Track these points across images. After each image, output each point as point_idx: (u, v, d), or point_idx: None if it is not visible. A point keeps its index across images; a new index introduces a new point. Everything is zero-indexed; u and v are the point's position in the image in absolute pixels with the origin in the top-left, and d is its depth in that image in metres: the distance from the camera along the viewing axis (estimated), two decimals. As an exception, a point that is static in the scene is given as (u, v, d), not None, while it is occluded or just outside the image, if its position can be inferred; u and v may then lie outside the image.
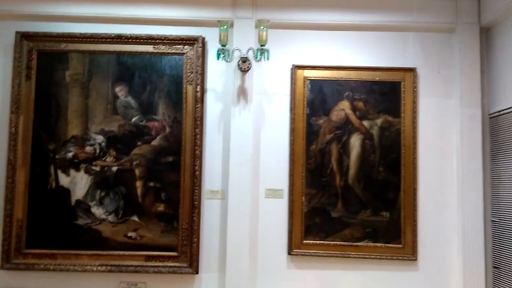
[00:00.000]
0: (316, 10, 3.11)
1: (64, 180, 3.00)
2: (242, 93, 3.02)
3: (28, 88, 3.01)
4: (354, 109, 3.06)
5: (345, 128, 3.06)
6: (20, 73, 3.01)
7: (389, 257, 2.98)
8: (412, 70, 3.06)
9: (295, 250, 3.00)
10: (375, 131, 3.05)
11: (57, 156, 3.01)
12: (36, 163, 3.00)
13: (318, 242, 3.00)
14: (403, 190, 3.00)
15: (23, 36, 3.04)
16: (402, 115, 3.04)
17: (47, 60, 3.04)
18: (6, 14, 3.08)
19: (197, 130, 2.99)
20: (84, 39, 3.04)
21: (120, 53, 3.06)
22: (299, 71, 3.08)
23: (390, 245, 2.99)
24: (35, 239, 2.97)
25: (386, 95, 3.07)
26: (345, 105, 3.07)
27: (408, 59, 3.12)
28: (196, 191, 2.97)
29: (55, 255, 2.95)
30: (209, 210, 3.04)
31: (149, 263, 2.95)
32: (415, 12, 3.10)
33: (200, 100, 3.02)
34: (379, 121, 3.05)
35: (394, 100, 3.06)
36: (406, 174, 3.01)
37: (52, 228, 2.98)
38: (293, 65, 3.09)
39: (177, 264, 2.95)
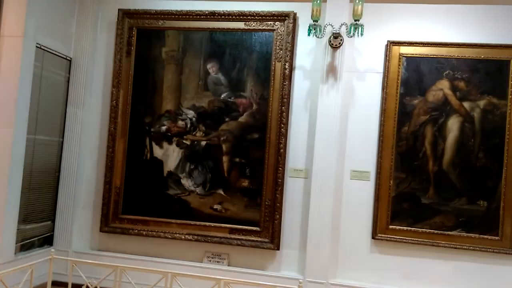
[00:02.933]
0: None
1: (157, 151, 3.41)
2: (332, 70, 3.13)
3: (128, 64, 3.44)
4: (454, 89, 3.03)
5: (442, 109, 3.04)
6: (121, 49, 3.44)
7: (483, 249, 2.96)
8: None
9: (379, 235, 3.09)
10: (476, 114, 3.01)
11: (152, 129, 3.42)
12: (133, 134, 3.44)
13: (405, 228, 3.06)
14: (504, 178, 2.95)
15: (124, 14, 3.44)
16: (510, 97, 2.95)
17: (145, 37, 3.43)
18: None
19: (283, 108, 3.19)
20: (180, 16, 3.36)
21: (212, 30, 3.34)
22: (395, 48, 3.11)
23: (485, 236, 2.96)
24: (130, 206, 3.43)
25: (492, 74, 2.99)
26: (444, 84, 3.05)
27: None
28: (280, 168, 3.19)
29: (147, 222, 3.39)
30: (292, 189, 3.24)
31: (233, 236, 3.25)
32: None
33: (288, 77, 3.20)
34: (481, 103, 3.00)
35: (500, 81, 2.98)
36: (509, 161, 2.95)
37: (146, 196, 3.41)
38: (388, 41, 3.12)
39: (259, 239, 3.22)
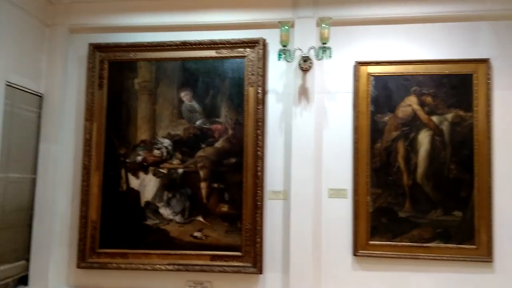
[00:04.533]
0: (379, 4, 3.25)
1: (134, 182, 3.39)
2: (303, 92, 3.23)
3: (101, 97, 3.45)
4: (422, 104, 3.14)
5: (412, 124, 3.15)
6: (93, 83, 3.45)
7: (461, 258, 3.01)
8: (485, 61, 3.09)
9: (360, 251, 3.12)
10: (445, 127, 3.11)
11: (127, 160, 3.40)
12: (108, 167, 3.42)
13: (385, 243, 3.10)
14: (476, 188, 3.03)
15: (95, 48, 3.47)
16: (475, 109, 3.07)
17: (117, 69, 3.47)
18: (80, 27, 3.55)
19: (258, 131, 3.24)
20: (151, 48, 3.42)
21: (184, 60, 3.40)
22: (362, 68, 3.22)
23: (463, 246, 3.02)
24: (108, 239, 3.36)
25: (457, 88, 3.11)
26: (412, 100, 3.16)
27: (480, 50, 3.16)
28: (259, 191, 3.21)
29: (126, 254, 3.33)
30: (272, 211, 3.26)
31: (214, 263, 3.22)
32: (488, 0, 3.14)
33: (261, 101, 3.27)
34: (449, 116, 3.11)
35: (465, 94, 3.10)
36: (480, 171, 3.04)
37: (124, 228, 3.36)
38: (356, 61, 3.24)
39: (241, 264, 3.20)
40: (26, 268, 3.36)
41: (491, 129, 3.09)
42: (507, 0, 3.14)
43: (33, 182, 3.43)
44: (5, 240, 3.13)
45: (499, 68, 3.15)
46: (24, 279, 3.35)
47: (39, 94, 3.47)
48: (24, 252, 3.35)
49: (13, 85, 3.17)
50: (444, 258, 3.05)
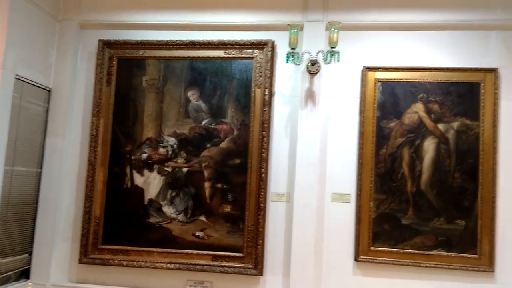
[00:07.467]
0: (388, 10, 3.28)
1: (138, 179, 3.43)
2: (310, 96, 3.26)
3: (108, 93, 3.49)
4: (428, 111, 3.17)
5: (418, 131, 3.17)
6: (101, 79, 3.50)
7: (463, 267, 3.03)
8: (493, 70, 3.11)
9: (362, 257, 3.15)
10: (451, 135, 3.14)
11: (133, 157, 3.45)
12: (114, 163, 3.46)
13: (386, 249, 3.13)
14: (480, 197, 3.05)
15: (105, 44, 3.52)
16: (481, 118, 3.09)
17: (126, 66, 3.51)
18: (90, 23, 3.60)
19: (264, 133, 3.28)
20: (160, 46, 3.46)
21: (193, 59, 3.44)
22: (370, 73, 3.25)
23: (465, 255, 3.04)
24: (110, 236, 3.41)
25: (464, 97, 3.14)
26: (418, 107, 3.18)
27: (489, 59, 3.18)
28: (262, 193, 3.24)
29: (128, 251, 3.37)
30: (275, 213, 3.29)
31: (215, 263, 3.26)
32: (498, 9, 3.16)
33: (268, 103, 3.30)
34: (455, 125, 3.14)
35: (472, 103, 3.13)
36: (484, 180, 3.06)
37: (127, 225, 3.40)
38: (363, 67, 3.26)
39: (242, 265, 3.23)
40: (29, 261, 3.42)
41: (497, 139, 3.11)
42: (516, 9, 3.14)
43: (38, 176, 3.48)
44: (8, 233, 3.19)
45: (507, 78, 3.16)
46: (26, 272, 3.40)
47: (48, 89, 3.52)
48: (27, 245, 3.40)
49: (22, 79, 3.22)
50: (446, 266, 3.06)
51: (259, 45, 3.39)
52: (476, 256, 3.05)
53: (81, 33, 3.66)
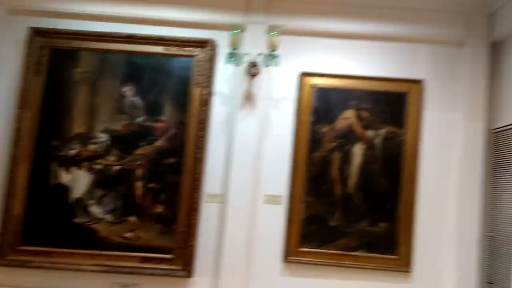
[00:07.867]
0: (327, 18, 3.40)
1: (65, 177, 3.27)
2: (249, 98, 3.29)
3: (37, 84, 3.31)
4: (359, 118, 3.30)
5: (348, 137, 3.29)
6: (29, 69, 3.30)
7: (384, 268, 3.17)
8: (419, 82, 3.31)
9: (290, 257, 3.20)
10: (378, 141, 3.28)
11: (60, 153, 3.28)
12: (38, 159, 3.27)
13: (313, 250, 3.20)
14: (402, 201, 3.21)
15: (36, 32, 3.33)
16: (406, 126, 3.27)
17: (57, 57, 3.34)
18: (19, 9, 3.40)
19: (201, 133, 3.25)
20: (96, 37, 3.34)
21: (130, 53, 3.35)
22: (306, 78, 3.34)
23: (386, 256, 3.18)
24: (32, 236, 3.21)
25: (392, 105, 3.30)
26: (350, 114, 3.31)
27: (416, 70, 3.37)
28: (196, 194, 3.20)
29: (50, 253, 3.18)
30: (208, 214, 3.26)
31: (144, 265, 3.16)
32: (426, 24, 3.37)
33: (206, 103, 3.28)
34: (382, 132, 3.29)
35: (399, 111, 3.30)
36: (406, 185, 3.22)
37: (50, 225, 3.22)
38: (300, 72, 3.36)
39: (172, 267, 3.16)
40: None
41: (419, 147, 3.30)
42: (443, 25, 3.39)
43: (-48, 169, 3.20)
44: None
45: (432, 89, 3.37)
46: None
47: (-32, 76, 3.27)
48: None
49: None
50: (368, 267, 3.19)
51: (200, 43, 3.37)
52: (396, 257, 3.20)
53: (9, 19, 3.45)
